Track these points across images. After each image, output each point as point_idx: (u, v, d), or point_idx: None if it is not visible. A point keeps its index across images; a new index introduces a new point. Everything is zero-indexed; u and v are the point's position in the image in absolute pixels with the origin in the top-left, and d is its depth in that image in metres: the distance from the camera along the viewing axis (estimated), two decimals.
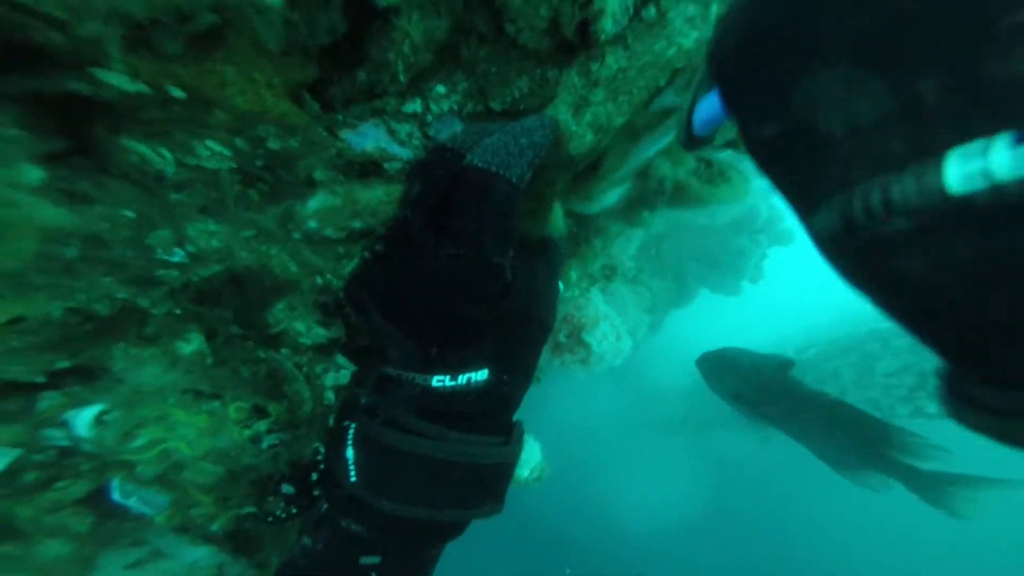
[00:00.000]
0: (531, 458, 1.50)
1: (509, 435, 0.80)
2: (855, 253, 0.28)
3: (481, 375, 0.73)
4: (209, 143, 0.56)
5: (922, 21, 0.25)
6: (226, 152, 0.57)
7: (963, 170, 0.23)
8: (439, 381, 0.72)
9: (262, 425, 0.75)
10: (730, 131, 0.91)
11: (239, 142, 0.58)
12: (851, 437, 3.65)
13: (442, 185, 0.68)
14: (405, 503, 0.74)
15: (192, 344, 0.62)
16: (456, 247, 0.66)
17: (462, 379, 0.72)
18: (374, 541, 0.78)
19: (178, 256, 0.55)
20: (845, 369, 5.97)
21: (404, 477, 0.74)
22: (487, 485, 0.79)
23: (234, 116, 0.57)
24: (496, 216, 0.66)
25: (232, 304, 0.67)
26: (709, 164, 0.87)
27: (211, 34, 0.52)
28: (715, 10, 0.63)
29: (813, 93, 0.28)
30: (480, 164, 0.66)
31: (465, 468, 0.75)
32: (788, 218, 4.20)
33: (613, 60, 0.66)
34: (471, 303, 0.69)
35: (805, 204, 0.30)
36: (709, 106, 0.42)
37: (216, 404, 0.65)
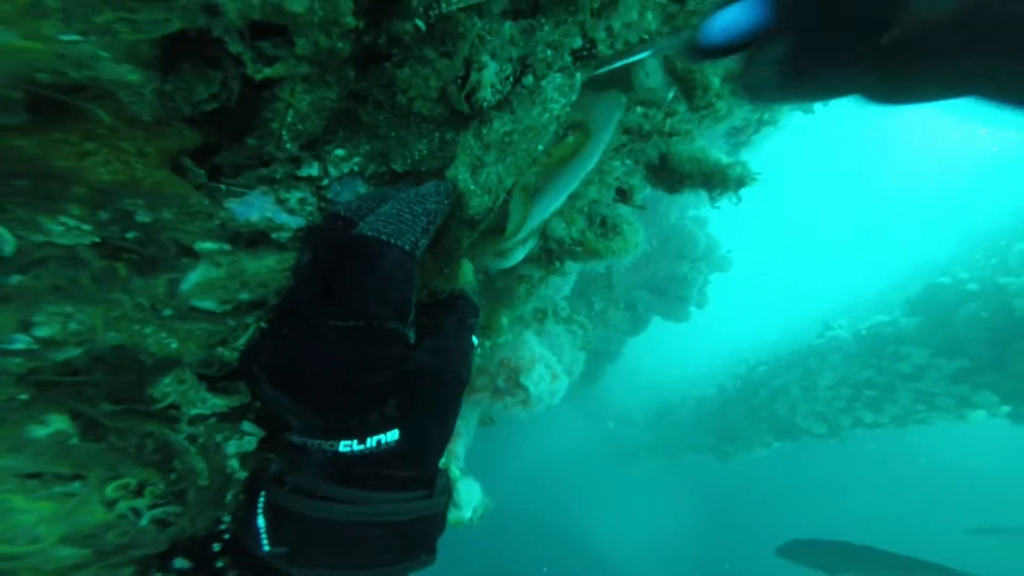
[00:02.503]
0: (472, 499, 1.48)
1: (432, 487, 0.78)
2: None
3: (391, 436, 0.71)
4: (64, 218, 0.52)
5: None
6: (85, 227, 0.54)
7: None
8: (347, 446, 0.69)
9: (141, 501, 0.69)
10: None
11: (103, 215, 0.55)
12: None
13: (332, 254, 0.66)
14: (321, 567, 0.70)
15: (49, 426, 0.57)
16: (345, 318, 0.64)
17: (371, 442, 0.69)
18: None
19: (21, 343, 0.51)
20: (792, 385, 6.28)
21: (318, 542, 0.70)
22: (412, 539, 0.76)
23: (96, 189, 0.54)
24: (387, 284, 0.65)
25: (103, 383, 0.63)
26: (603, 222, 0.90)
27: (64, 106, 0.50)
28: (580, 78, 0.66)
29: None
30: (370, 233, 0.65)
31: (386, 526, 0.72)
32: (725, 245, 4.46)
33: (500, 124, 0.68)
34: (366, 372, 0.67)
35: None
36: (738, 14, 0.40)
37: (76, 485, 0.60)
